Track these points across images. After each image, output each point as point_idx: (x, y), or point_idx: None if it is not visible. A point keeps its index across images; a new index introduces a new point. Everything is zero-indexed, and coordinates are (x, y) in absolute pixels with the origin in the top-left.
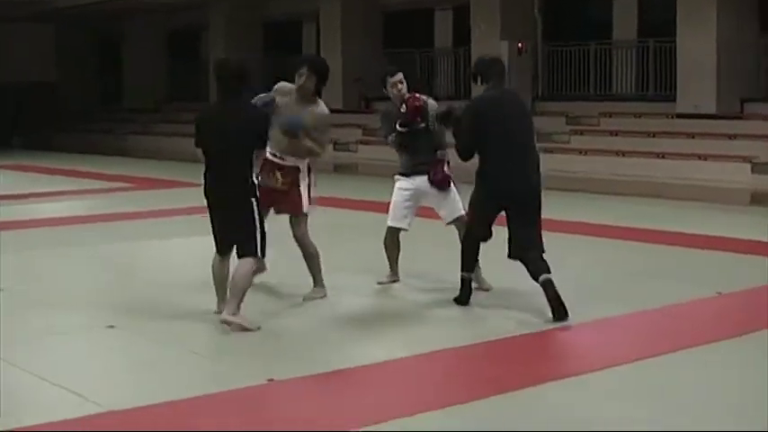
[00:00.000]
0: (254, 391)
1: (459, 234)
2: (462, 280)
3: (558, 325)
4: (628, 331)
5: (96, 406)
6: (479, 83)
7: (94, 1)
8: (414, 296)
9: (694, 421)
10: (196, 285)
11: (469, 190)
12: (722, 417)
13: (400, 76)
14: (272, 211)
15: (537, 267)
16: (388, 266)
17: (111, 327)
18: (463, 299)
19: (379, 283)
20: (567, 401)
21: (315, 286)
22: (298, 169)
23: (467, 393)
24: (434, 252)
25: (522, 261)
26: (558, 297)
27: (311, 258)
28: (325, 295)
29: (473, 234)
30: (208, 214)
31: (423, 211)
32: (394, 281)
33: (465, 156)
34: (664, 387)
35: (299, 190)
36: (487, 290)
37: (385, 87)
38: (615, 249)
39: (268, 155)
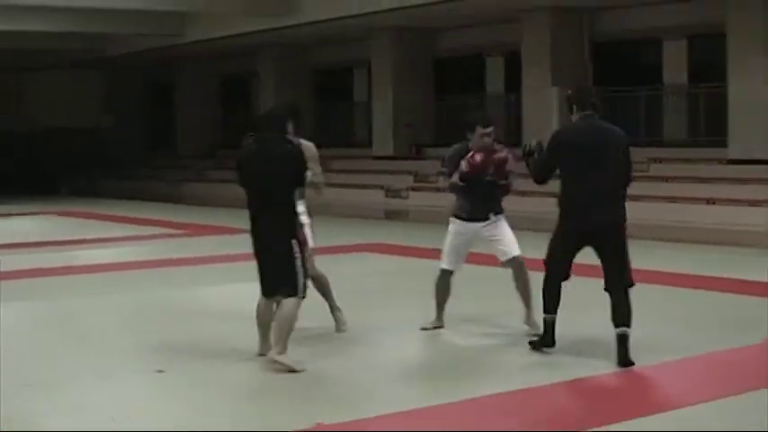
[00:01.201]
0: None
1: (515, 275)
2: (545, 322)
3: (614, 371)
4: (689, 375)
5: None
6: (574, 111)
7: (146, 48)
8: (461, 341)
9: None
10: (247, 330)
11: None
12: None
13: (491, 129)
14: None
15: (618, 313)
16: (435, 311)
17: (161, 371)
18: (547, 341)
19: (423, 329)
20: None
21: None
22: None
23: None
24: (480, 298)
25: (609, 295)
26: (626, 359)
27: (326, 286)
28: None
29: (554, 271)
30: (254, 257)
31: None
32: (438, 327)
33: (538, 179)
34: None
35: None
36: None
37: (471, 132)
38: (665, 295)
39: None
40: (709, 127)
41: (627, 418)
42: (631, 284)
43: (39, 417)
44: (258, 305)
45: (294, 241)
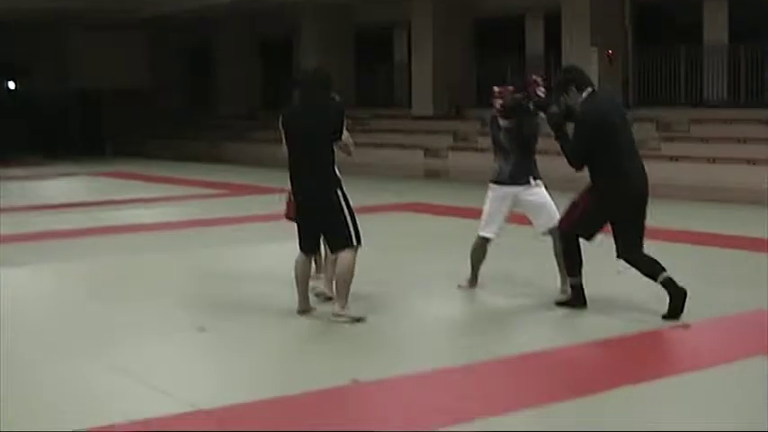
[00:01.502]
0: (338, 392)
1: (554, 244)
2: (572, 286)
3: (648, 328)
4: (717, 335)
5: (186, 405)
6: (574, 92)
7: (185, 9)
8: (496, 300)
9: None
10: (287, 288)
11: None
12: None
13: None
14: None
15: (652, 269)
16: (471, 273)
17: (202, 329)
18: (579, 303)
19: (459, 287)
20: (654, 402)
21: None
22: None
23: (548, 395)
24: (517, 258)
25: (629, 262)
26: (682, 291)
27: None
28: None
29: (577, 236)
30: (295, 215)
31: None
32: (473, 286)
33: (578, 164)
34: (750, 391)
35: None
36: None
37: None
38: (705, 256)
39: None
40: (749, 87)
41: (664, 375)
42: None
43: (79, 376)
44: (296, 262)
45: (340, 193)
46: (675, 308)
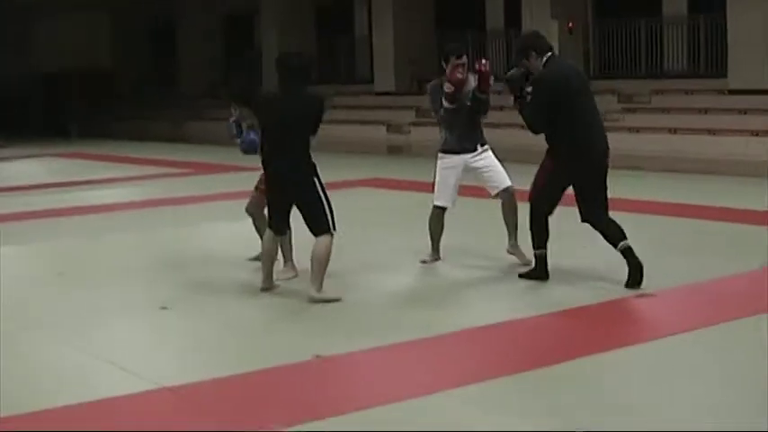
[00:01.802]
0: (300, 367)
1: (504, 204)
2: (536, 257)
3: (611, 298)
4: (678, 304)
5: (149, 383)
6: (534, 57)
7: None
8: (459, 273)
9: (742, 393)
10: (248, 266)
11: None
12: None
13: (464, 59)
14: None
15: (614, 234)
16: (431, 246)
17: (164, 308)
18: (542, 275)
19: (423, 262)
20: (612, 372)
21: (285, 265)
22: None
23: (512, 366)
24: (474, 230)
25: (594, 225)
26: (639, 264)
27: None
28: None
29: (543, 208)
30: (266, 194)
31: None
32: (436, 259)
33: (537, 128)
34: (708, 357)
35: None
36: (526, 264)
37: (446, 65)
38: (665, 226)
39: None
40: (710, 58)
41: (619, 345)
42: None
43: (43, 356)
44: (264, 240)
45: (316, 179)
46: (634, 279)
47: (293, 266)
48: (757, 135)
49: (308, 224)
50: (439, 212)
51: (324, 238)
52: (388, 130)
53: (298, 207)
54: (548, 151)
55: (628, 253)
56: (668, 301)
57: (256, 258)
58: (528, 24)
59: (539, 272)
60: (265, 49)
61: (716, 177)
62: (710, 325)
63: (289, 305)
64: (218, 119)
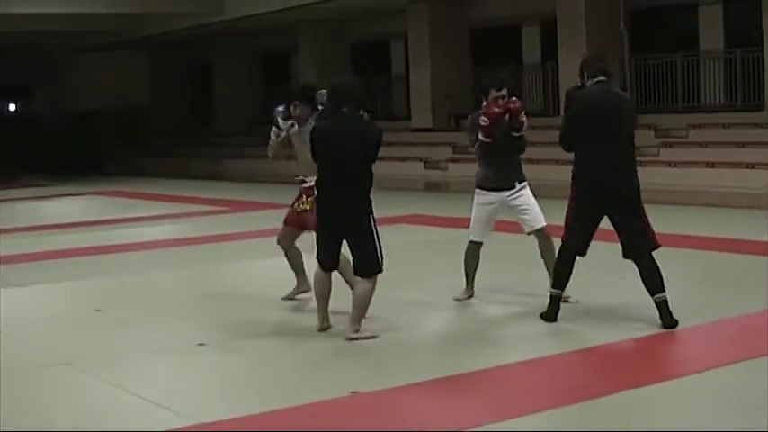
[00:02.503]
0: (338, 404)
1: (540, 245)
2: (551, 297)
3: (659, 330)
4: (718, 337)
5: (188, 419)
6: (585, 78)
7: (184, 27)
8: (494, 311)
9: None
10: (284, 303)
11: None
12: None
13: (504, 92)
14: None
15: (650, 280)
16: (465, 281)
17: (202, 344)
18: (550, 315)
19: (456, 300)
20: (651, 408)
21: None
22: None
23: (551, 401)
24: (508, 266)
25: (635, 262)
26: (671, 321)
27: (347, 263)
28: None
29: (572, 244)
30: (320, 227)
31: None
32: (469, 296)
33: (563, 144)
34: (747, 392)
35: None
36: (575, 302)
37: (485, 96)
38: (703, 259)
39: (308, 184)
40: (746, 91)
41: (661, 379)
42: (656, 246)
43: (81, 392)
44: (316, 277)
45: (371, 218)
46: (668, 326)
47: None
48: None
49: (355, 263)
50: (474, 247)
51: (369, 279)
52: (425, 166)
53: (348, 243)
54: (571, 180)
55: (662, 306)
56: (708, 336)
57: (289, 297)
58: (564, 58)
59: (548, 312)
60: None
61: (754, 211)
62: (754, 357)
63: (327, 343)
64: (255, 157)
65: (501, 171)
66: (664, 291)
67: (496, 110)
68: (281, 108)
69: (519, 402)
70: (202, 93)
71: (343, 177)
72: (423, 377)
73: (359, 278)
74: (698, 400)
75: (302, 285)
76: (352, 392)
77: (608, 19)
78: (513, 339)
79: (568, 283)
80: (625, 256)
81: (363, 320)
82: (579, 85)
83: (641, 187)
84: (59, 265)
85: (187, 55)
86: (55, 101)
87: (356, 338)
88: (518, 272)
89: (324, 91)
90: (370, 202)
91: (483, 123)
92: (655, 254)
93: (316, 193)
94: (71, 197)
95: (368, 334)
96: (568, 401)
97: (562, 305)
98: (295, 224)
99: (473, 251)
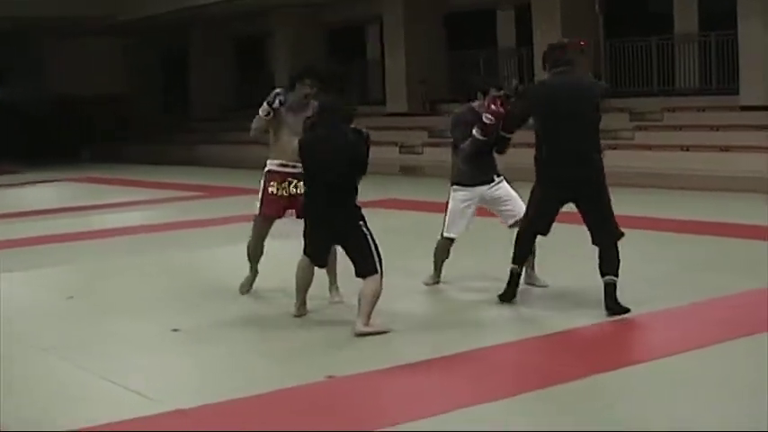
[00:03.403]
0: (314, 388)
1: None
2: (511, 273)
3: (615, 318)
4: (686, 322)
5: (162, 405)
6: (547, 69)
7: (158, 13)
8: (466, 296)
9: (747, 408)
10: (260, 289)
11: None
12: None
13: (503, 92)
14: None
15: (605, 263)
16: (433, 269)
17: (176, 330)
18: (508, 296)
19: (426, 284)
20: (622, 390)
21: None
22: None
23: (515, 387)
24: (480, 251)
25: (597, 247)
26: (615, 305)
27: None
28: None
29: (531, 224)
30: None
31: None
32: (436, 282)
33: (507, 127)
34: (719, 376)
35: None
36: (543, 286)
37: (484, 96)
38: (676, 242)
39: (275, 167)
40: (721, 75)
41: (612, 367)
42: (620, 236)
43: (56, 379)
44: (299, 267)
45: (362, 222)
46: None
47: (338, 291)
48: None
49: (354, 265)
50: (447, 243)
51: (373, 278)
52: (400, 150)
53: (344, 248)
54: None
55: (609, 289)
56: (683, 318)
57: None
58: (539, 42)
59: (507, 290)
60: (277, 72)
61: (729, 194)
62: (725, 340)
63: (303, 328)
64: (230, 142)
65: (481, 166)
66: (616, 276)
67: (501, 110)
68: (280, 91)
69: (494, 386)
70: (177, 79)
71: (331, 189)
72: (397, 361)
73: (362, 279)
74: (664, 384)
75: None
76: (329, 377)
77: (583, 3)
78: (486, 324)
79: (537, 267)
80: (594, 243)
81: (342, 306)
82: (516, 85)
83: (617, 170)
84: (32, 253)
85: (162, 41)
86: (30, 88)
87: (366, 333)
88: (490, 258)
89: (280, 90)
90: (359, 208)
91: (487, 121)
92: (633, 236)
93: (305, 202)
94: (45, 183)
95: (379, 329)
96: (540, 385)
97: (534, 289)
98: (281, 211)
99: (444, 246)
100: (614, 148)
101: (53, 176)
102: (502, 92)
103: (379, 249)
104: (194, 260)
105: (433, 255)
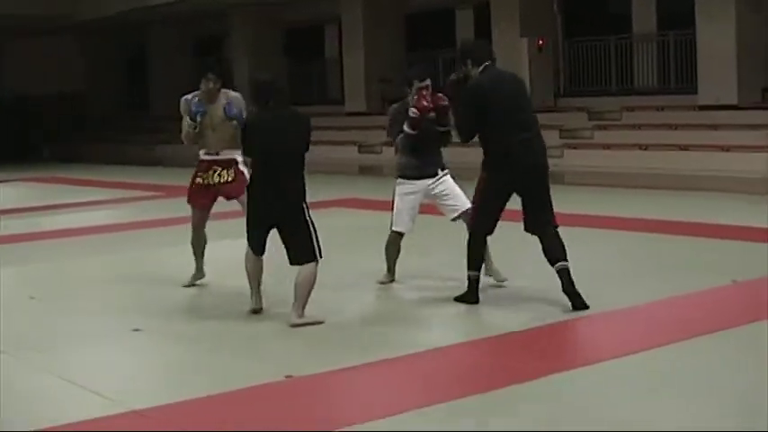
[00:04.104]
0: (272, 388)
1: (468, 228)
2: (469, 279)
3: (576, 315)
4: (644, 320)
5: (120, 406)
6: (470, 66)
7: (117, 12)
8: (420, 294)
9: (702, 408)
10: (220, 288)
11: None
12: (730, 403)
13: (428, 82)
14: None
15: (554, 250)
16: (386, 268)
17: (137, 330)
18: (471, 299)
19: (380, 283)
20: (580, 390)
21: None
22: (234, 160)
23: (475, 386)
24: (432, 249)
25: (539, 236)
26: (573, 289)
27: None
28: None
29: (481, 226)
30: (251, 218)
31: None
32: (391, 281)
33: (465, 134)
34: (675, 374)
35: (244, 175)
36: (503, 281)
37: (410, 88)
38: (636, 241)
39: (203, 155)
40: (680, 74)
41: (567, 367)
42: (556, 226)
43: (13, 379)
44: (247, 260)
45: (305, 206)
46: (575, 305)
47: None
48: (728, 150)
49: (291, 251)
50: (396, 237)
51: (310, 266)
52: (359, 150)
53: (281, 231)
54: (482, 163)
55: (563, 274)
56: (635, 318)
57: (192, 284)
58: (497, 41)
59: (469, 295)
60: (236, 70)
61: (687, 193)
62: (679, 341)
63: (261, 326)
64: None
65: (423, 159)
66: (566, 260)
67: (425, 103)
68: (197, 101)
69: (451, 385)
70: (138, 78)
71: (276, 169)
72: (356, 361)
73: (299, 266)
74: (632, 381)
75: (201, 271)
76: (287, 377)
77: (541, 2)
78: (440, 323)
79: (494, 264)
80: (527, 230)
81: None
82: (462, 75)
83: (576, 169)
84: None
85: (122, 40)
86: None
87: (300, 324)
88: (442, 255)
89: (192, 99)
90: (305, 191)
91: (412, 115)
92: (581, 233)
93: (248, 183)
94: (4, 183)
95: (313, 320)
96: (494, 386)
97: (489, 289)
98: (210, 199)
99: (395, 241)
100: (573, 147)
101: (12, 176)
102: (426, 81)
103: (318, 238)
104: (154, 259)
105: (384, 252)
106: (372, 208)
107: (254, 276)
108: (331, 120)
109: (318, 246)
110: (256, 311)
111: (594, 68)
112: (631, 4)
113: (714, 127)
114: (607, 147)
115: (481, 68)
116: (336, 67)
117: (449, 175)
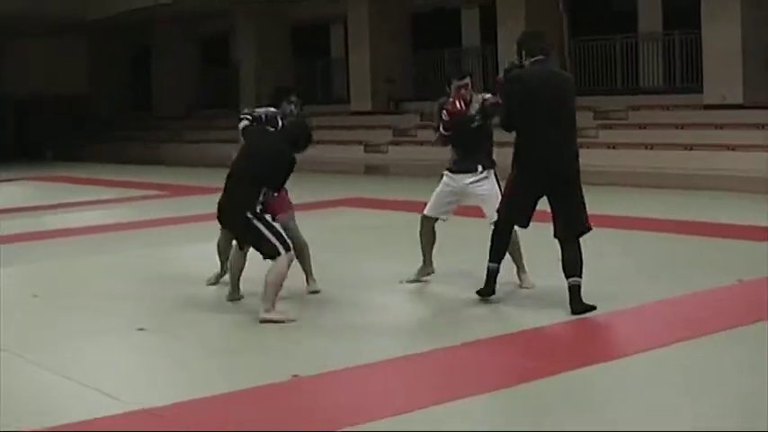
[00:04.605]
0: (278, 387)
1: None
2: (488, 270)
3: (583, 316)
4: (650, 319)
5: (125, 405)
6: (524, 56)
7: (121, 11)
8: (434, 293)
9: (704, 408)
10: (225, 288)
11: None
12: (732, 403)
13: (467, 80)
14: None
15: (569, 265)
16: (422, 258)
17: (142, 329)
18: (485, 290)
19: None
20: (583, 389)
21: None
22: None
23: (485, 385)
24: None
25: (560, 246)
26: (579, 306)
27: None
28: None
29: (507, 217)
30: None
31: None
32: (428, 273)
33: (507, 123)
34: (679, 373)
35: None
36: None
37: (448, 87)
38: (642, 240)
39: None
40: (685, 73)
41: (579, 365)
42: (586, 229)
43: (20, 379)
44: (231, 255)
45: (250, 213)
46: (576, 311)
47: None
48: (734, 150)
49: (258, 251)
50: (429, 221)
51: (277, 261)
52: (365, 149)
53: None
54: (512, 156)
55: (574, 291)
56: (641, 317)
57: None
58: (504, 41)
59: (485, 287)
60: (243, 70)
61: (692, 192)
62: (684, 339)
63: (268, 326)
64: (194, 141)
65: (462, 155)
66: (580, 277)
67: (458, 108)
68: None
69: (464, 383)
70: (142, 78)
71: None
72: (365, 360)
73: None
74: (639, 380)
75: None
76: (294, 376)
77: (547, 1)
78: (456, 322)
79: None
80: (554, 236)
81: (279, 303)
82: (517, 63)
83: (581, 168)
84: None
85: (126, 40)
86: None
87: (267, 319)
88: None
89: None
90: (252, 202)
91: (444, 118)
92: (591, 233)
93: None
94: (8, 183)
95: (281, 318)
96: (506, 384)
97: (502, 286)
98: None
99: (428, 225)
100: (579, 146)
101: (16, 176)
102: (466, 80)
103: (278, 231)
104: (159, 259)
105: (419, 240)
106: (381, 207)
107: (234, 270)
108: (336, 119)
109: (279, 240)
110: (232, 300)
111: (600, 68)
112: (637, 4)
113: (720, 126)
114: (612, 146)
115: (533, 61)
116: (342, 66)
117: (492, 175)
